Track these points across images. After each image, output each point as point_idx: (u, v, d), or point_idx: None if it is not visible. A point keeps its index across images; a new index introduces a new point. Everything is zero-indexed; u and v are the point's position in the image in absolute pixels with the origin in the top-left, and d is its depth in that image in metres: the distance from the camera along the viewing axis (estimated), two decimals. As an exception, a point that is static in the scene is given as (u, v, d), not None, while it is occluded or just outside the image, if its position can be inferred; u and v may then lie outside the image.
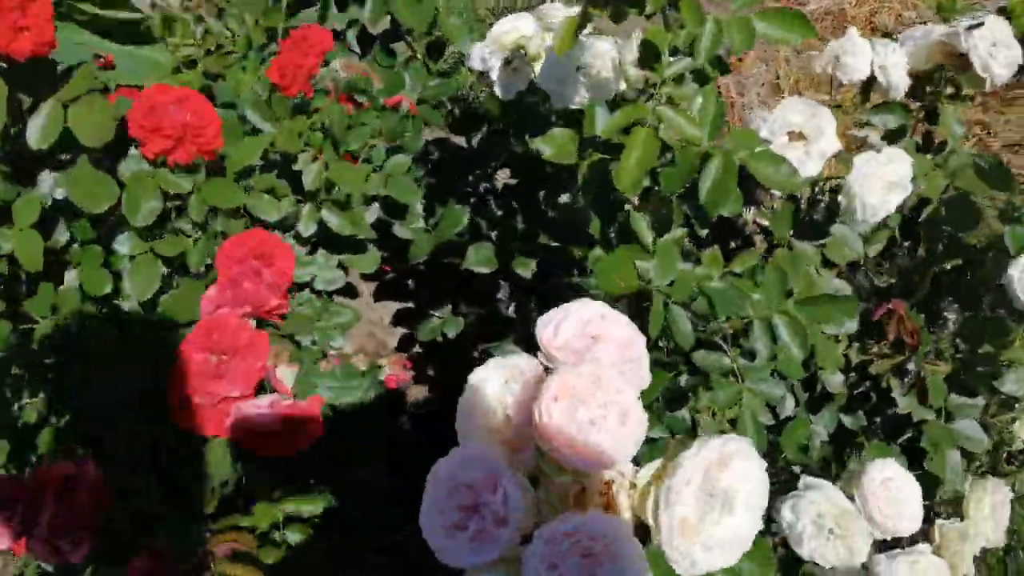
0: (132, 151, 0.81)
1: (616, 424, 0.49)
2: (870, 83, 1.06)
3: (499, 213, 1.09)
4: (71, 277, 0.83)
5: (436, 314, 1.29)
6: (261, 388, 0.77)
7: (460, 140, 1.34)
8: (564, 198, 0.99)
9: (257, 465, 0.79)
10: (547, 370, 0.55)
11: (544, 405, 0.49)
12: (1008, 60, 1.00)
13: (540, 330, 0.57)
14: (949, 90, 1.11)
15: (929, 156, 1.11)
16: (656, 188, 0.79)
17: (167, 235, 0.83)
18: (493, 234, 1.05)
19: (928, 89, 1.11)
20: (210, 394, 0.71)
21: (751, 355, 0.80)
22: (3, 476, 0.78)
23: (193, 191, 0.83)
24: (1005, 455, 1.14)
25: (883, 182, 0.87)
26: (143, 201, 0.80)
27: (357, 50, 1.20)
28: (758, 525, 0.49)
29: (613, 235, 0.90)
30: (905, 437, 1.18)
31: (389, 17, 1.15)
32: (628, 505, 0.51)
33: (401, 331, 1.49)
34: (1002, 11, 1.08)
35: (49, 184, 0.82)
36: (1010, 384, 0.98)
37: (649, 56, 0.74)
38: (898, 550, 0.80)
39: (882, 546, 0.81)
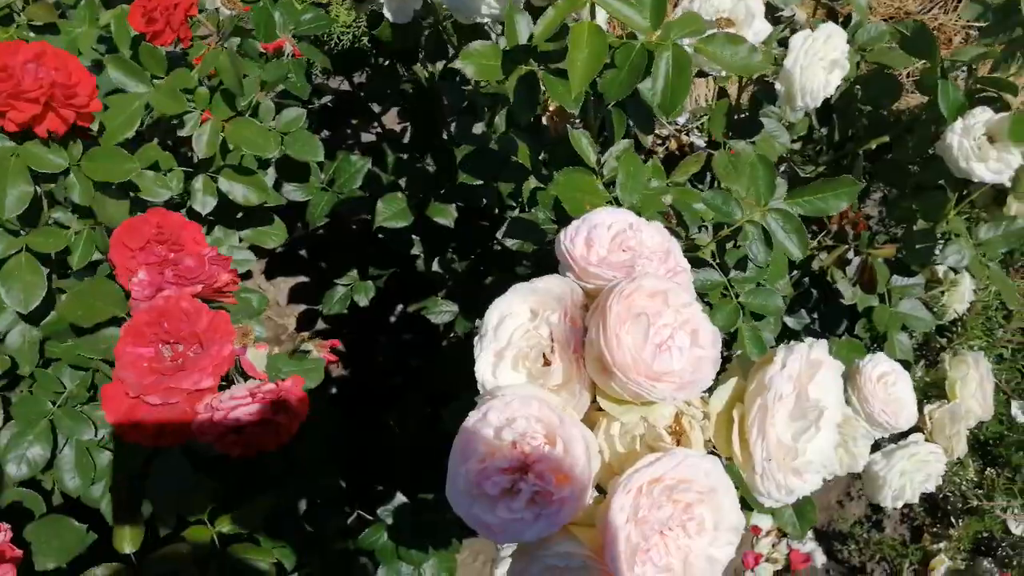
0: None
1: (692, 344, 0.41)
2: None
3: (403, 157, 0.95)
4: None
5: (341, 282, 1.15)
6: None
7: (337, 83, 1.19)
8: (477, 128, 0.87)
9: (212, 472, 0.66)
10: (587, 293, 0.45)
11: (609, 331, 0.40)
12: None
13: (568, 246, 0.47)
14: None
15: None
16: (593, 97, 0.69)
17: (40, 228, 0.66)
18: (401, 182, 0.92)
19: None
20: (170, 391, 0.57)
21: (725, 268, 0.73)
22: None
23: (71, 167, 0.65)
24: (935, 327, 1.15)
25: (825, 61, 0.80)
26: (10, 185, 0.62)
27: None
28: (835, 440, 0.42)
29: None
30: (843, 328, 1.17)
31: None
32: (702, 439, 0.42)
33: (300, 308, 1.35)
34: None
35: None
36: (952, 256, 0.96)
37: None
38: (892, 445, 0.76)
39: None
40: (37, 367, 0.74)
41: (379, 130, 1.21)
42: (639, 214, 0.66)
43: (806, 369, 0.41)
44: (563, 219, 0.69)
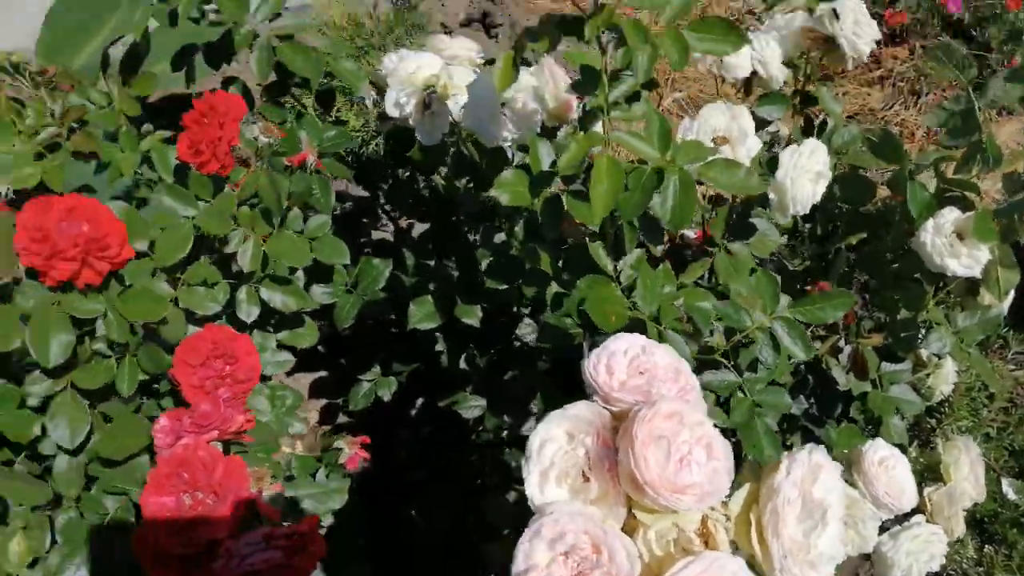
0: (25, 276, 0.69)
1: (709, 457, 0.47)
2: (751, 77, 1.10)
3: (428, 263, 1.03)
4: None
5: (365, 378, 1.21)
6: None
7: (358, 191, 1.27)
8: (499, 237, 0.95)
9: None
10: (613, 415, 0.51)
11: (636, 453, 0.47)
12: (870, 36, 1.06)
13: (592, 374, 0.54)
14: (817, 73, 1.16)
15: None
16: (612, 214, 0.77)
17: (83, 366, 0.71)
18: (431, 285, 0.99)
19: (797, 75, 1.17)
20: (192, 542, 0.61)
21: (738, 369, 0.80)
22: None
23: (108, 310, 0.71)
24: (925, 409, 1.22)
25: (811, 173, 0.89)
26: (52, 336, 0.68)
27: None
28: (842, 532, 0.48)
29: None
30: (839, 411, 1.24)
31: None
32: (727, 539, 0.49)
33: (321, 403, 1.39)
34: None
35: None
36: (935, 344, 1.04)
37: (589, 81, 0.72)
38: (897, 527, 0.82)
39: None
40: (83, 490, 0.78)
41: (391, 228, 1.29)
42: (658, 321, 0.74)
43: (808, 474, 0.47)
44: (588, 324, 0.76)
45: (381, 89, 1.11)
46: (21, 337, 0.67)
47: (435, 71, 0.90)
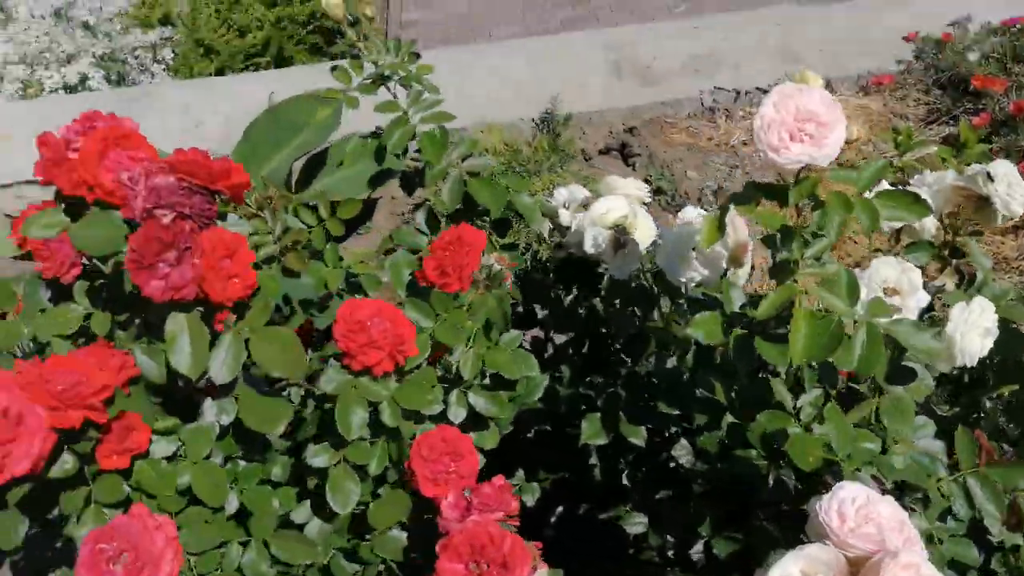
0: (331, 364, 0.82)
1: None
2: (901, 227, 1.17)
3: (599, 380, 1.11)
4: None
5: (511, 482, 1.28)
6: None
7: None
8: (670, 363, 1.02)
9: None
10: (848, 560, 0.57)
11: None
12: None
13: (826, 519, 0.59)
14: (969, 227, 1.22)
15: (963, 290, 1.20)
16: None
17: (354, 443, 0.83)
18: (599, 402, 1.07)
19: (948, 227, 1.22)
20: None
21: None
22: None
23: (386, 399, 0.84)
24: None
25: (980, 329, 0.94)
26: (352, 414, 0.80)
27: (426, 231, 1.24)
28: None
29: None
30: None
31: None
32: None
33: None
34: (947, 140, 1.22)
35: (212, 412, 0.81)
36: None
37: (786, 239, 0.80)
38: None
39: None
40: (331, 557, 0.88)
41: (544, 339, 1.38)
42: (852, 466, 0.79)
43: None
44: (772, 455, 0.82)
45: (551, 217, 1.24)
46: (288, 421, 0.79)
47: (624, 213, 1.01)
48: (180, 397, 0.99)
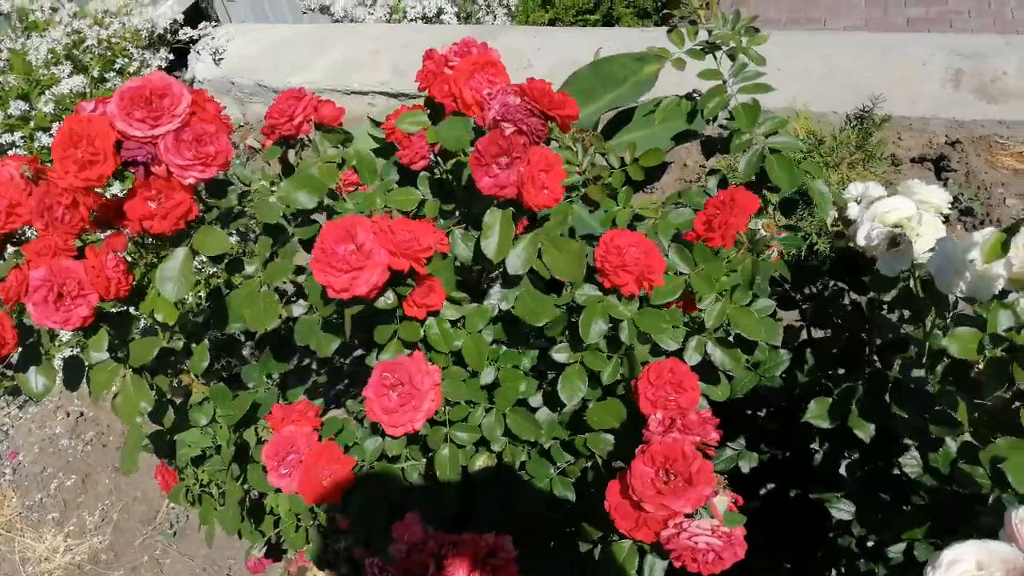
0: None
1: None
2: None
3: (840, 373, 1.14)
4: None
5: (732, 445, 1.35)
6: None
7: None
8: (917, 372, 1.03)
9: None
10: None
11: None
12: None
13: (1017, 526, 0.61)
14: None
15: None
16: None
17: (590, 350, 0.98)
18: (835, 392, 1.11)
19: None
20: (662, 506, 0.81)
21: None
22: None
23: (627, 319, 0.97)
24: None
25: None
26: (593, 324, 0.95)
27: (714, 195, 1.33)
28: None
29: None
30: None
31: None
32: None
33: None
34: None
35: (497, 297, 1.00)
36: None
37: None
38: None
39: None
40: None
41: (800, 325, 1.41)
42: None
43: None
44: (998, 481, 0.82)
45: (840, 208, 1.26)
46: (551, 319, 0.96)
47: (908, 215, 1.01)
48: (469, 281, 1.20)
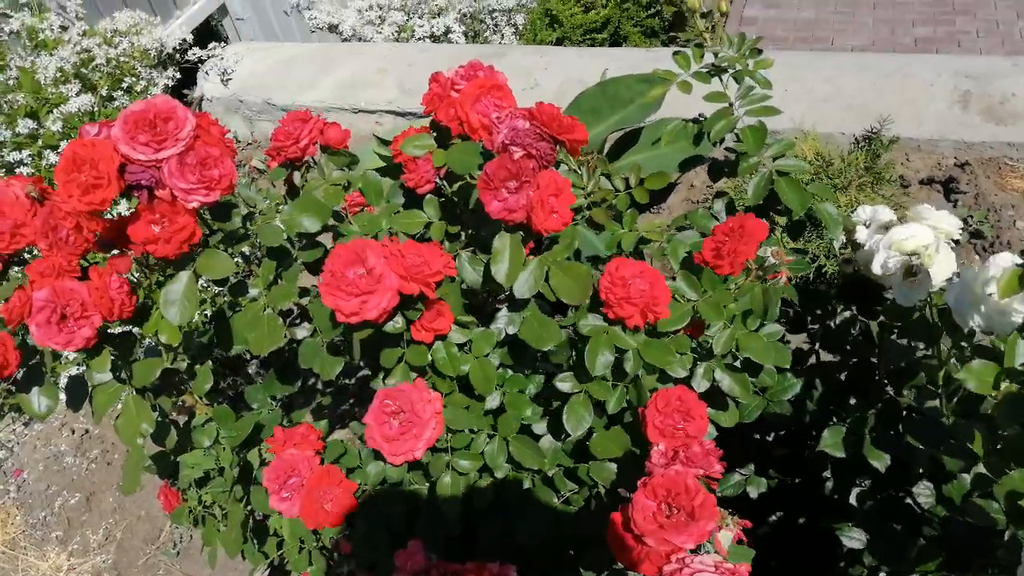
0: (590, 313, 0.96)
1: None
2: None
3: (852, 402, 1.13)
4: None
5: (740, 471, 1.33)
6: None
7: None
8: (931, 403, 1.01)
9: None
10: None
11: None
12: None
13: None
14: None
15: None
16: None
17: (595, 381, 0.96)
18: (847, 420, 1.09)
19: None
20: (664, 541, 0.79)
21: None
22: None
23: (632, 349, 0.96)
24: None
25: None
26: (599, 355, 0.94)
27: (722, 219, 1.32)
28: None
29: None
30: None
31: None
32: None
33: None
34: None
35: (504, 321, 0.99)
36: None
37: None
38: None
39: None
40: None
41: (809, 350, 1.39)
42: None
43: None
44: (1013, 516, 0.80)
45: (848, 231, 1.25)
46: (555, 343, 0.95)
47: (925, 243, 1.00)
48: (475, 304, 1.19)
